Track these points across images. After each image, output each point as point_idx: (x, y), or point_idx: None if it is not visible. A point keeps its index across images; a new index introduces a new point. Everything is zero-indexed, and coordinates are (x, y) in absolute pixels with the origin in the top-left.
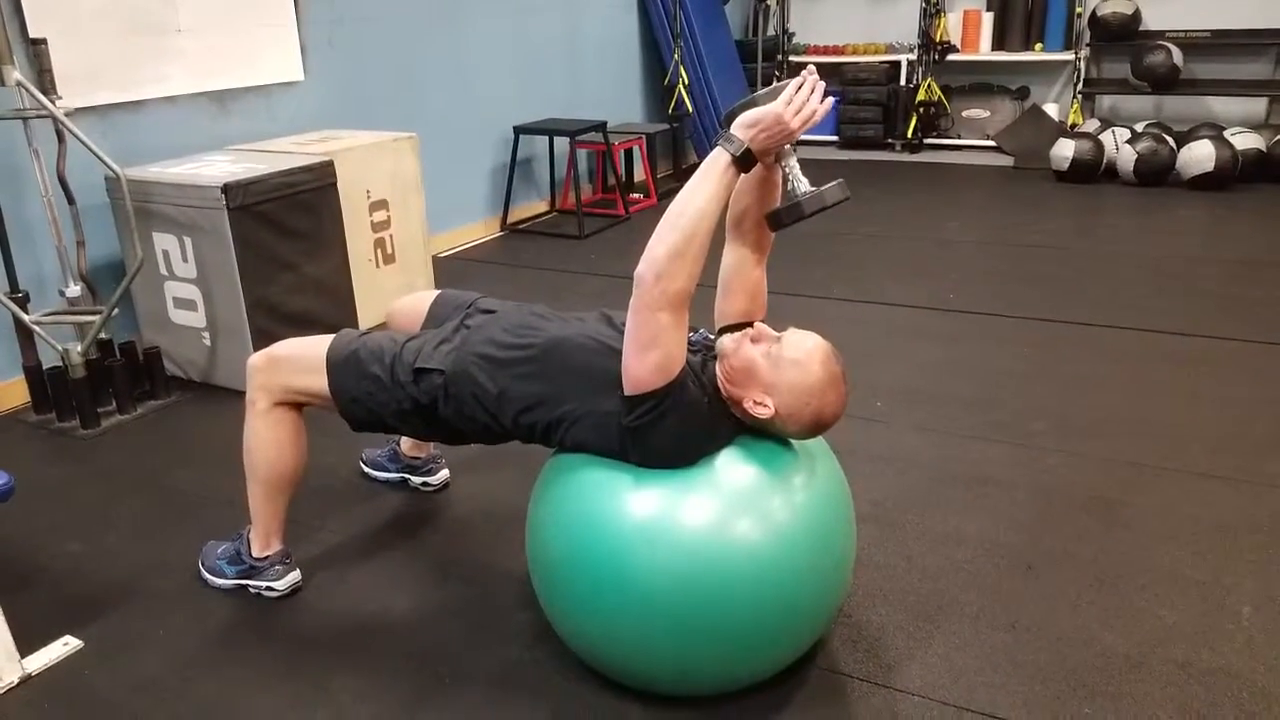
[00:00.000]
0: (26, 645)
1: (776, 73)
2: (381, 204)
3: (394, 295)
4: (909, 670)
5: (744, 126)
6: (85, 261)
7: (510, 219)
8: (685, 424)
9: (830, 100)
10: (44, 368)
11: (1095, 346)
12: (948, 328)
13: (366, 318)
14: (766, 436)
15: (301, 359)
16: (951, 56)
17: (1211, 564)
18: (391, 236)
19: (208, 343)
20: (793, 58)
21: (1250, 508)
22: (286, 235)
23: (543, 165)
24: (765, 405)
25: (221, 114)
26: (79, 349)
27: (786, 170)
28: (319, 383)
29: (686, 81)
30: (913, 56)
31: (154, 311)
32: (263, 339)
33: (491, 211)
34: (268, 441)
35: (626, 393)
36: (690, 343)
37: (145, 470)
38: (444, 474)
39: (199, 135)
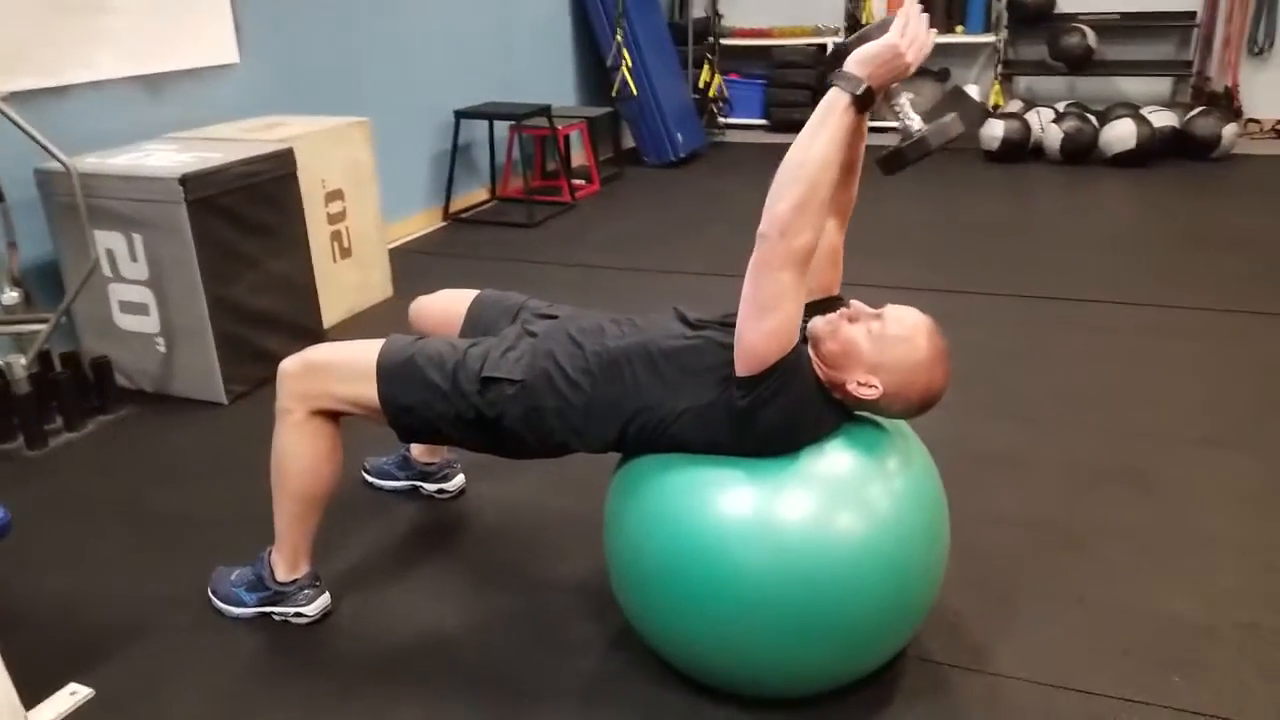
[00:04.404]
0: (28, 697)
1: (709, 54)
2: (337, 194)
3: (353, 291)
4: (998, 653)
5: (860, 63)
6: (18, 265)
7: (451, 208)
8: (799, 402)
9: (934, 31)
10: None
11: (1072, 320)
12: (921, 307)
13: (328, 316)
14: (859, 420)
15: (346, 365)
16: None
17: (1248, 527)
18: (348, 228)
19: (162, 349)
20: (724, 40)
21: (1261, 472)
22: (248, 229)
23: (482, 151)
24: (873, 386)
25: (154, 99)
26: (23, 361)
27: (897, 107)
28: (366, 391)
29: (630, 63)
30: (839, 39)
31: (96, 318)
32: (227, 343)
33: (432, 201)
34: (303, 454)
35: (741, 369)
36: None
37: (115, 493)
38: (460, 479)
39: (130, 123)
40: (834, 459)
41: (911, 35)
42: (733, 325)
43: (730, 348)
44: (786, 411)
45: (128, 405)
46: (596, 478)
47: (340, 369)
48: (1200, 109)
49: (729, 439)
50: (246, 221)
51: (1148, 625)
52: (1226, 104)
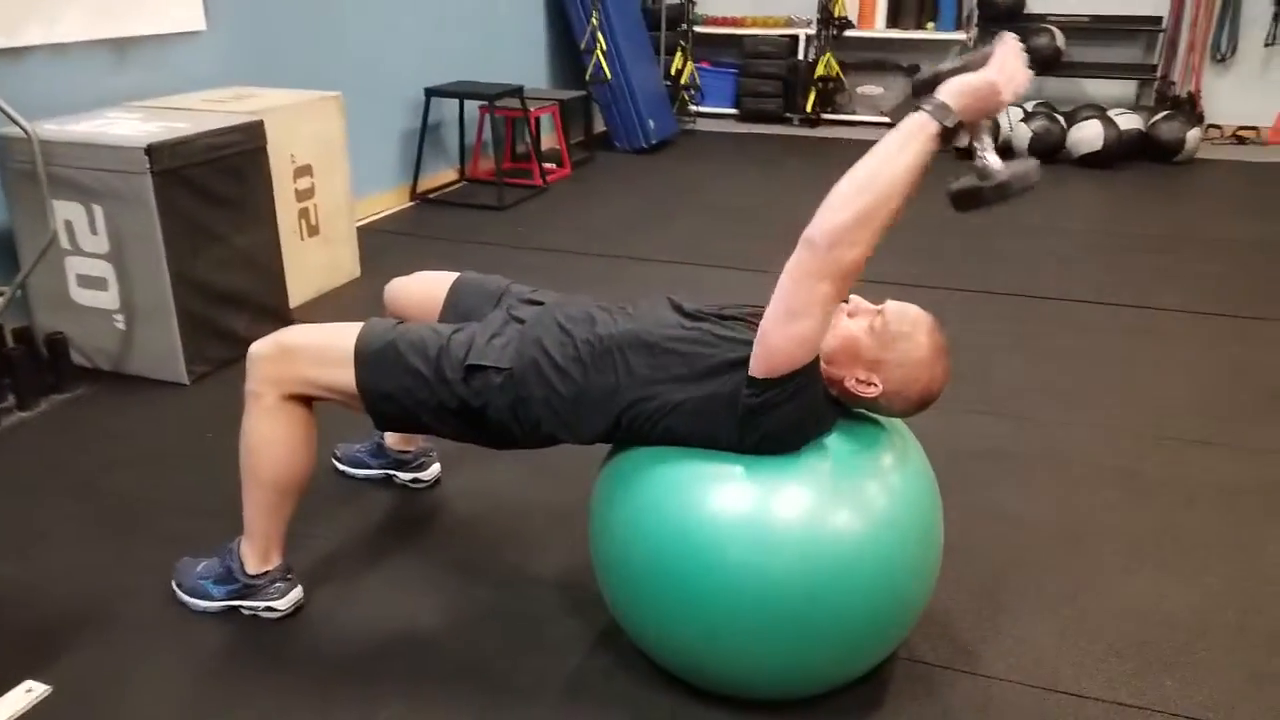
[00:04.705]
0: None
1: (682, 42)
2: (306, 170)
3: (320, 270)
4: (988, 654)
5: (956, 94)
6: None
7: (420, 188)
8: (811, 408)
9: (1030, 71)
10: None
11: (1049, 318)
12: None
13: (295, 295)
14: (855, 417)
15: (322, 349)
16: (848, 32)
17: (1232, 527)
18: (316, 206)
19: (122, 326)
20: (697, 28)
21: (1247, 472)
22: (214, 204)
23: (451, 131)
24: (872, 384)
25: (117, 65)
26: None
27: (980, 144)
28: (343, 376)
29: (605, 47)
30: (811, 31)
31: (51, 292)
32: (189, 321)
33: (400, 180)
34: (276, 441)
35: (759, 369)
36: None
37: (70, 476)
38: (435, 468)
39: (92, 90)
40: (830, 456)
41: (1010, 73)
42: (730, 319)
43: (729, 341)
44: (796, 416)
45: (84, 384)
46: (576, 468)
47: (316, 353)
48: (1166, 113)
49: (726, 435)
50: (213, 195)
51: (1138, 626)
52: (1189, 109)
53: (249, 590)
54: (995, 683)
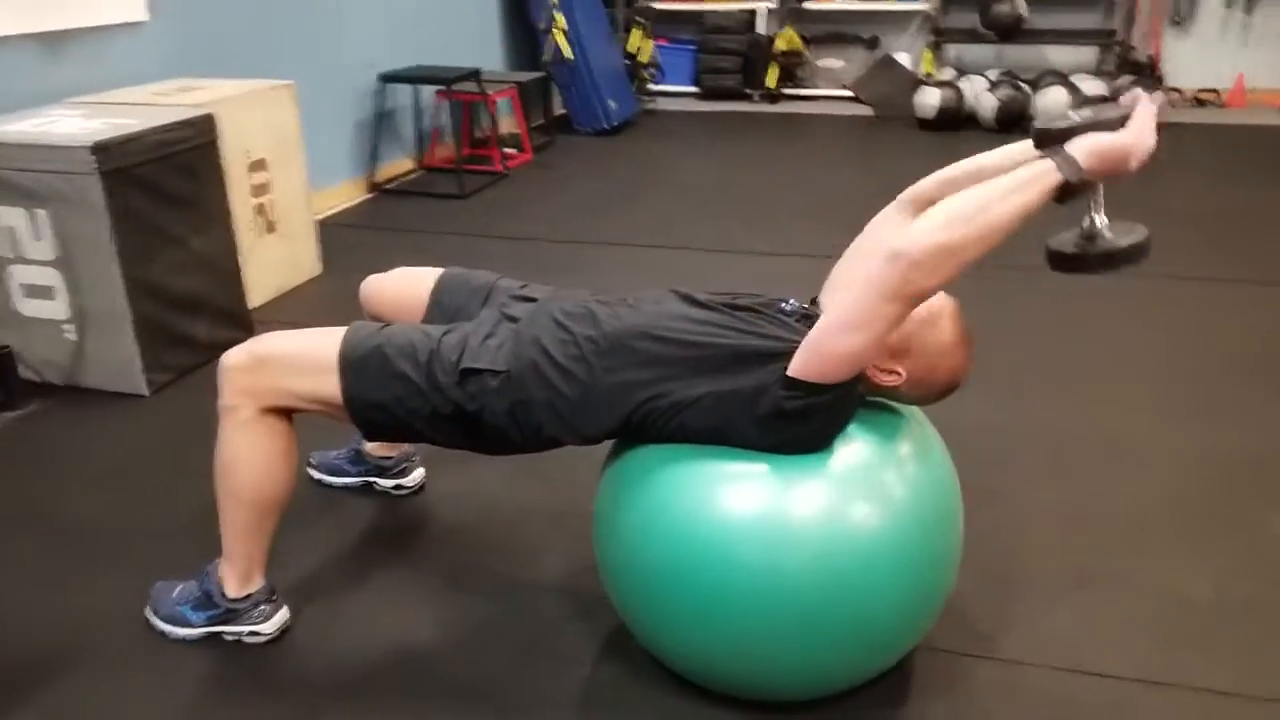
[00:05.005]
0: None
1: (639, 18)
2: (260, 164)
3: (279, 269)
4: (1007, 639)
5: (1090, 154)
6: None
7: (376, 178)
8: (842, 416)
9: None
10: None
11: (1030, 289)
12: None
13: (254, 296)
14: (871, 405)
15: (303, 357)
16: (808, 5)
17: (1231, 500)
18: (273, 201)
19: (73, 337)
20: (654, 4)
21: (1238, 443)
22: (167, 203)
23: (407, 118)
24: (896, 373)
25: (51, 60)
26: None
27: (1094, 204)
28: (327, 386)
29: (564, 26)
30: (771, 4)
31: None
32: (146, 328)
33: (355, 171)
34: (255, 457)
35: (805, 372)
36: (784, 313)
37: (24, 500)
38: (419, 473)
39: (25, 86)
40: (848, 447)
41: (1145, 140)
42: (743, 309)
43: (744, 334)
44: (831, 422)
45: (35, 400)
46: (567, 468)
47: (296, 362)
48: (1128, 78)
49: (741, 432)
50: (165, 194)
51: (1152, 603)
52: (1149, 73)
53: (231, 615)
54: (1018, 666)
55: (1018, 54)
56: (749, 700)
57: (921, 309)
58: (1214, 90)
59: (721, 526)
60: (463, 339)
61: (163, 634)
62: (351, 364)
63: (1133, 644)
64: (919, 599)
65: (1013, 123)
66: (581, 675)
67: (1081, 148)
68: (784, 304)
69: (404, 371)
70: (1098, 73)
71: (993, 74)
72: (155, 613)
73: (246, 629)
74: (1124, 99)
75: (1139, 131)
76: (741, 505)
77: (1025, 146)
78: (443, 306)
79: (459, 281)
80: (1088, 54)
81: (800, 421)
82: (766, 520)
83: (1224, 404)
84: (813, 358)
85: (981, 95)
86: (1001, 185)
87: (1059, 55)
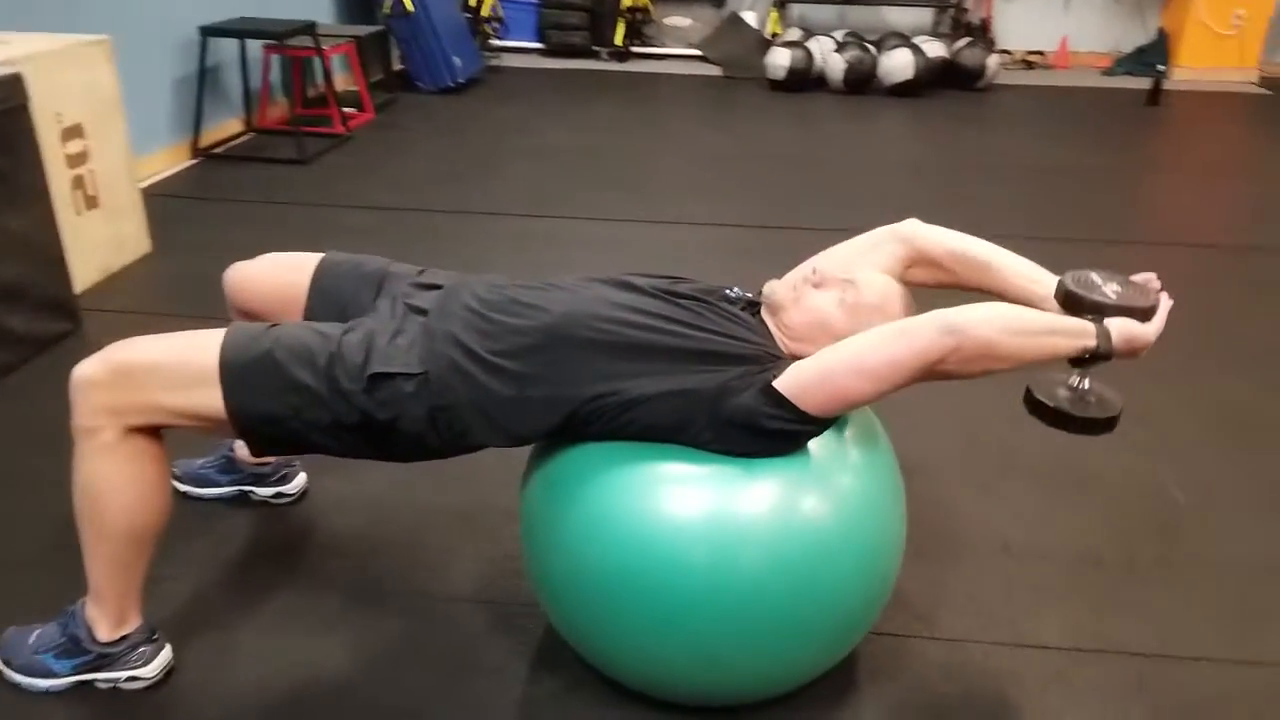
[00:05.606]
0: None
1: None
2: (76, 130)
3: (103, 247)
4: (945, 617)
5: (1124, 338)
6: None
7: (202, 142)
8: (803, 443)
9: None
10: None
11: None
12: (778, 244)
13: (79, 279)
14: None
15: (173, 367)
16: None
17: (1132, 459)
18: (92, 172)
19: None
20: None
21: (1140, 397)
22: None
23: (232, 76)
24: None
25: None
26: None
27: (1092, 374)
28: (206, 400)
29: None
30: None
31: None
32: None
33: (177, 135)
34: (124, 484)
35: (802, 400)
36: (729, 300)
37: None
38: (301, 479)
39: None
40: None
41: (1157, 335)
42: (687, 297)
43: (698, 329)
44: (796, 444)
45: None
46: (469, 466)
47: (166, 373)
48: (967, 40)
49: (701, 432)
50: None
51: (1070, 568)
52: (981, 34)
53: (105, 660)
54: (960, 645)
55: (860, 15)
56: (700, 706)
57: (873, 295)
58: (1040, 52)
59: (670, 528)
60: (367, 338)
61: (17, 686)
62: (235, 373)
63: (1067, 613)
64: (875, 586)
65: (862, 83)
66: (516, 691)
67: (1119, 330)
68: (728, 291)
69: (300, 379)
70: (935, 34)
71: (839, 35)
72: (8, 664)
73: (124, 674)
74: (1138, 278)
75: (1159, 329)
76: (690, 505)
77: (1043, 276)
78: (326, 297)
79: (345, 268)
80: (925, 16)
81: (768, 440)
82: (716, 519)
83: (1184, 370)
84: (817, 390)
85: (830, 56)
86: (1045, 321)
87: (899, 16)
